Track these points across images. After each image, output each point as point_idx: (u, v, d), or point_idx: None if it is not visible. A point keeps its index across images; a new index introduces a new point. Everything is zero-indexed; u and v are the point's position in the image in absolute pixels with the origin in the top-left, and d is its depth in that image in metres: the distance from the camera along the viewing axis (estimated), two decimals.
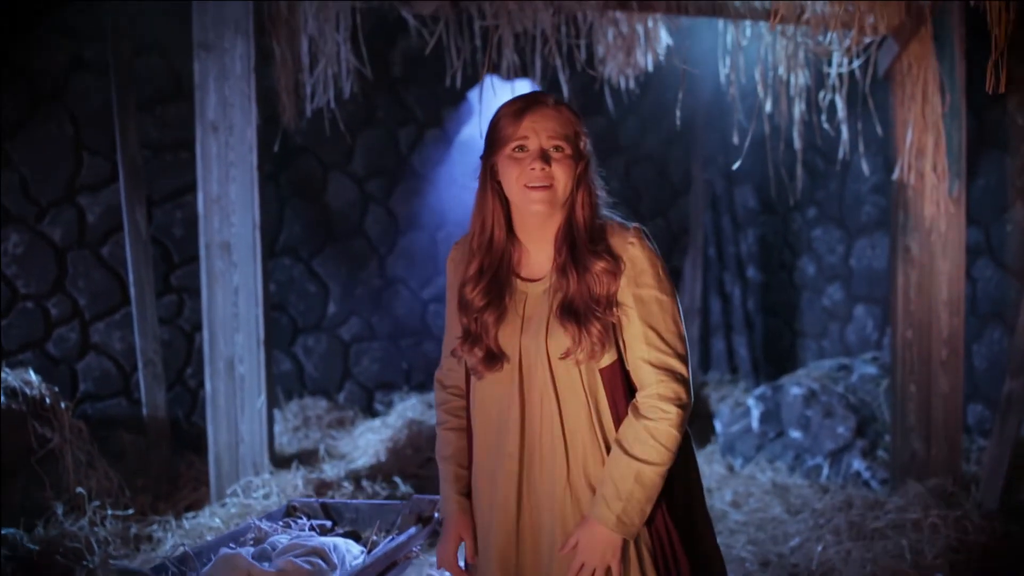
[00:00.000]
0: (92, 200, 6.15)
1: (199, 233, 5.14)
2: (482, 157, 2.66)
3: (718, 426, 6.83)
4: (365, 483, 5.35)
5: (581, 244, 2.59)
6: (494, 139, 2.61)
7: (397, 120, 7.37)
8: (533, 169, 2.53)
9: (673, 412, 2.53)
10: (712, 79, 6.20)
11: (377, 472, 5.63)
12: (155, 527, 4.97)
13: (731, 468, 6.52)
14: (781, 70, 5.59)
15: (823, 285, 7.77)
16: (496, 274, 2.64)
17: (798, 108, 5.69)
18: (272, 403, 5.37)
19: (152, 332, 5.78)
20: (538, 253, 2.66)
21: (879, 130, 5.65)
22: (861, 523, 5.14)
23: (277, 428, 6.49)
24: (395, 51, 7.20)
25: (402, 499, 5.33)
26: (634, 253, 2.58)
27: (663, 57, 5.56)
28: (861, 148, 5.85)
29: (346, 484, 5.26)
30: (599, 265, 2.56)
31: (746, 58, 5.61)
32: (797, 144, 5.77)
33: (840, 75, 5.55)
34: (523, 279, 2.66)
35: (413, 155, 7.46)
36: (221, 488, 5.20)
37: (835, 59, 5.48)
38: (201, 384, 6.14)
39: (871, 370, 6.59)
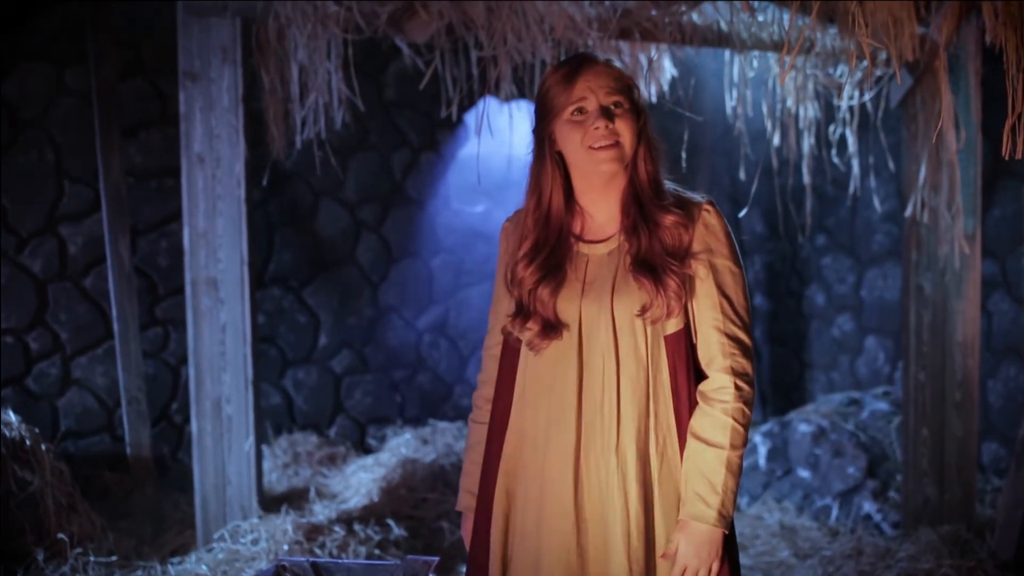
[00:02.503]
0: (74, 230, 6.14)
1: (185, 269, 5.14)
2: (535, 130, 2.67)
3: None
4: (357, 527, 5.33)
5: (647, 200, 2.61)
6: (548, 107, 2.62)
7: (390, 144, 7.36)
8: (597, 128, 2.54)
9: (746, 389, 2.57)
10: (718, 100, 6.20)
11: (370, 514, 5.62)
12: (139, 573, 4.96)
13: (737, 507, 6.52)
14: (790, 102, 5.59)
15: (833, 315, 7.76)
16: (553, 249, 2.64)
17: (807, 142, 5.70)
18: (260, 440, 5.37)
19: (136, 367, 5.77)
20: (601, 216, 2.67)
21: (891, 165, 5.65)
22: (871, 572, 5.13)
23: (266, 465, 6.47)
24: (388, 73, 7.19)
25: (395, 544, 5.34)
26: (710, 220, 2.61)
27: (667, 88, 5.57)
28: (872, 182, 5.85)
29: (337, 528, 5.24)
30: (669, 218, 2.58)
31: (753, 90, 5.61)
32: (807, 179, 5.77)
33: (851, 108, 5.55)
34: (585, 242, 2.66)
35: (407, 180, 7.44)
36: (208, 532, 5.19)
37: (846, 92, 5.48)
38: (187, 420, 6.13)
39: (882, 406, 6.58)
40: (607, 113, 2.54)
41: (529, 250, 2.65)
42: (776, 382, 8.36)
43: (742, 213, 6.47)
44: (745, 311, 2.62)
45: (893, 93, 5.46)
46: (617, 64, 2.64)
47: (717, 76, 5.93)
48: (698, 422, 2.57)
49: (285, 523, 5.14)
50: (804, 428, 6.40)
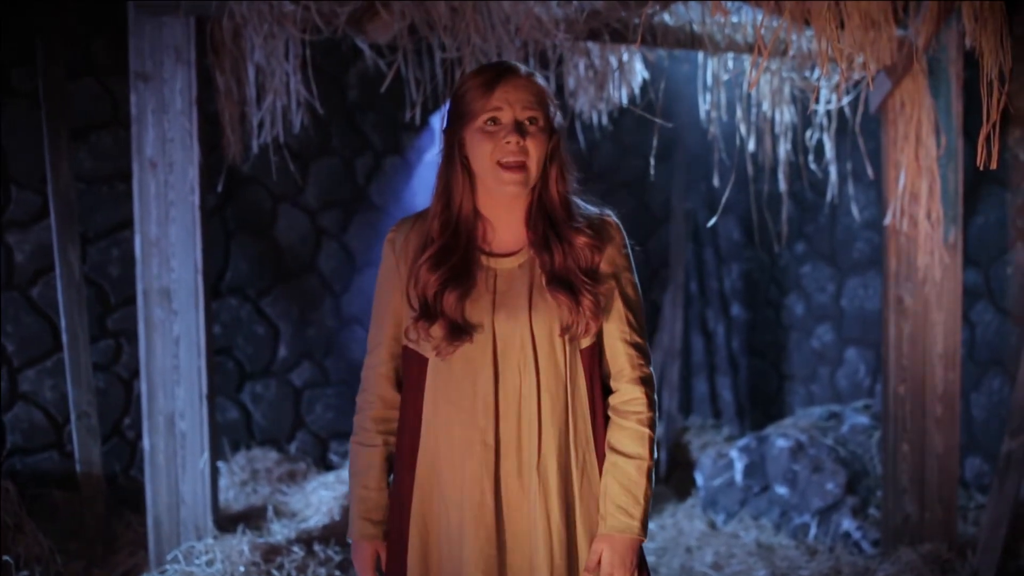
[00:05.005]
0: (21, 238, 6.10)
1: (136, 279, 5.13)
2: (445, 131, 2.69)
3: (699, 479, 6.84)
4: (317, 547, 5.33)
5: (559, 219, 2.67)
6: (462, 112, 2.63)
7: (353, 148, 7.35)
8: (508, 143, 2.57)
9: (653, 397, 2.70)
10: (694, 101, 6.23)
11: (330, 533, 5.61)
12: None
13: (713, 525, 6.54)
14: (765, 106, 5.62)
15: (812, 325, 7.79)
16: (462, 254, 2.66)
17: (783, 147, 5.72)
18: (217, 456, 5.36)
19: (86, 381, 5.73)
20: (506, 229, 2.71)
21: (870, 171, 5.68)
22: None
23: (223, 482, 6.45)
24: (350, 74, 7.19)
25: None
26: (615, 235, 2.73)
27: (638, 91, 5.58)
28: (852, 188, 5.87)
29: (296, 549, 5.24)
30: (581, 239, 2.65)
31: (729, 93, 5.64)
32: (783, 186, 5.79)
33: (828, 113, 5.58)
34: (491, 255, 2.69)
35: (370, 185, 7.43)
36: (161, 554, 5.16)
37: (823, 96, 5.51)
38: (140, 436, 6.10)
39: (863, 420, 6.61)
40: (520, 128, 2.58)
41: (434, 254, 2.65)
42: (754, 395, 8.38)
43: (711, 222, 6.48)
44: (643, 317, 2.76)
45: (872, 97, 5.48)
46: (539, 79, 2.67)
47: (694, 79, 5.95)
48: (615, 436, 2.69)
49: (241, 543, 5.13)
50: (782, 443, 6.42)
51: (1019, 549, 5.37)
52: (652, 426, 2.67)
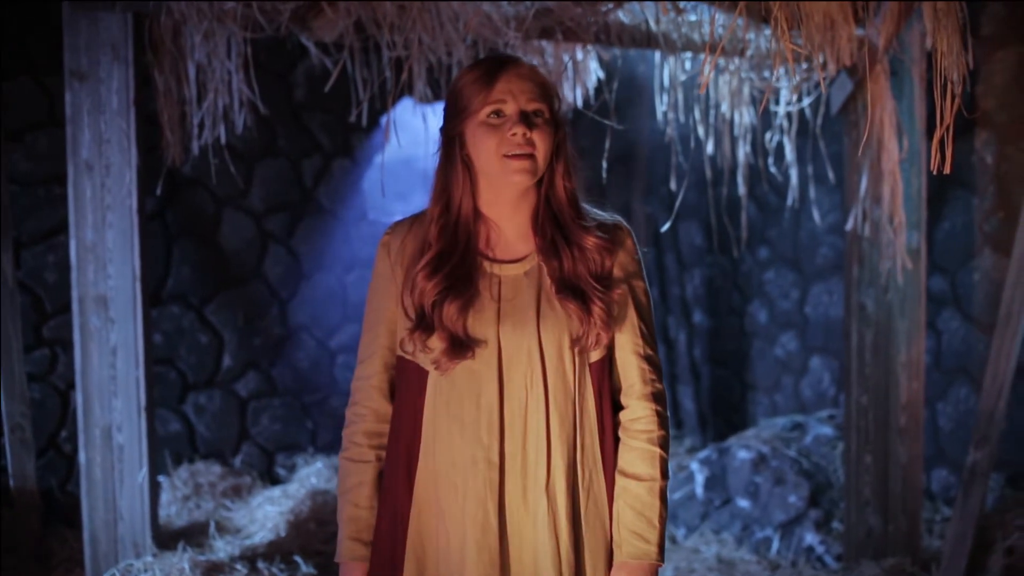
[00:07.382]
0: None
1: (72, 286, 5.09)
2: (443, 129, 2.64)
3: None
4: (261, 564, 5.30)
5: (568, 219, 2.62)
6: (462, 105, 2.58)
7: (300, 149, 7.32)
8: (514, 135, 2.51)
9: (665, 414, 2.65)
10: (653, 103, 6.25)
11: (276, 550, 5.59)
12: None
13: (673, 539, 6.54)
14: (724, 108, 5.64)
15: (776, 333, 7.81)
16: (462, 259, 2.60)
17: (743, 150, 5.74)
18: (158, 470, 5.32)
19: (20, 392, 5.68)
20: (512, 232, 2.66)
21: (831, 175, 5.71)
22: None
23: (165, 497, 6.42)
24: (297, 73, 7.17)
25: None
26: (629, 243, 2.68)
27: (593, 92, 5.59)
28: (815, 192, 5.88)
29: (239, 566, 5.20)
30: (591, 240, 2.60)
31: (686, 94, 5.65)
32: (742, 189, 5.81)
33: (788, 114, 5.60)
34: (494, 261, 2.64)
35: (319, 188, 7.41)
36: (97, 572, 5.13)
37: (783, 97, 5.53)
38: (76, 449, 6.05)
39: (827, 430, 6.64)
40: (527, 120, 2.53)
41: (432, 259, 2.59)
42: (716, 405, 8.40)
43: (665, 226, 6.48)
44: (656, 334, 2.71)
45: (834, 99, 5.51)
46: (542, 72, 2.64)
47: (652, 79, 5.97)
48: (625, 458, 2.63)
49: (182, 561, 5.10)
50: (743, 455, 6.44)
51: (984, 562, 5.39)
52: (663, 445, 2.62)
